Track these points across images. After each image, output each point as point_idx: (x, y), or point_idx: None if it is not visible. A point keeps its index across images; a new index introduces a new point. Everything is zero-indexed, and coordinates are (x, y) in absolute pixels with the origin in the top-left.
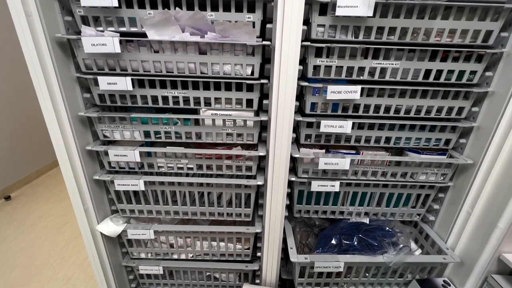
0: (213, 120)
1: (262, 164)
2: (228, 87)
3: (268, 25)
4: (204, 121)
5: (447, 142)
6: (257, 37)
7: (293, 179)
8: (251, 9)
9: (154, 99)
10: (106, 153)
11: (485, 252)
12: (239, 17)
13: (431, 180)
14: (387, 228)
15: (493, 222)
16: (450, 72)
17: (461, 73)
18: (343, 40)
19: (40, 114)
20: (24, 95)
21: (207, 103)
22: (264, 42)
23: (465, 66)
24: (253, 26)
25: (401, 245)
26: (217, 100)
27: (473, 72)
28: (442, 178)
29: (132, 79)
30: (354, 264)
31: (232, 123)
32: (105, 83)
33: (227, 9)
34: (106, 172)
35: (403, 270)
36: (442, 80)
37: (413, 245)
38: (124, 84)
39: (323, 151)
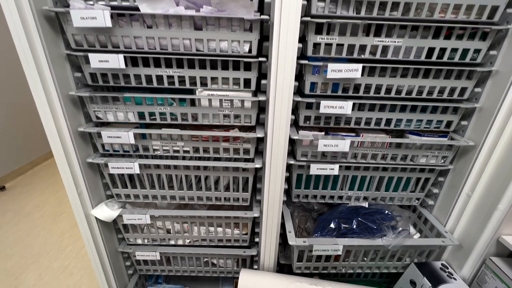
0: (210, 101)
1: (260, 147)
2: (225, 66)
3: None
4: (201, 101)
5: (449, 124)
6: (255, 12)
7: (291, 162)
8: None
9: (148, 79)
10: (100, 135)
11: (484, 235)
12: None
13: (432, 163)
14: (386, 211)
15: (493, 204)
16: (454, 50)
17: (465, 52)
18: (345, 16)
19: (34, 104)
20: (18, 84)
21: (204, 83)
22: (263, 17)
23: (470, 44)
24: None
25: (400, 229)
26: (214, 80)
27: (477, 51)
28: (442, 161)
29: (124, 57)
30: (353, 248)
31: (229, 104)
32: (97, 61)
33: None
34: (100, 155)
35: (402, 254)
36: (445, 59)
37: (412, 230)
38: (116, 61)
39: (323, 133)
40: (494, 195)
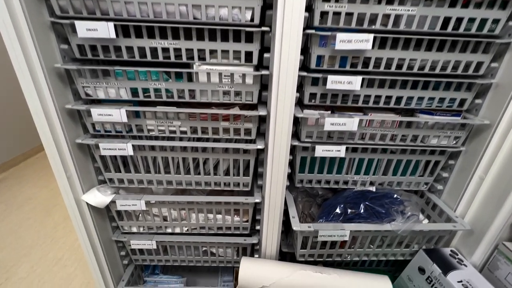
0: (208, 76)
1: (262, 128)
2: (225, 37)
3: None
4: (199, 76)
5: (462, 103)
6: None
7: (296, 143)
8: None
9: (142, 53)
10: (89, 113)
11: (497, 219)
12: None
13: (443, 145)
14: (395, 195)
15: (508, 186)
16: (471, 20)
17: (483, 22)
18: None
19: None
20: (9, 75)
21: (201, 58)
22: None
23: (488, 14)
24: None
25: (410, 213)
26: (213, 54)
27: (495, 21)
28: (454, 142)
29: (115, 25)
30: (360, 233)
31: (229, 79)
32: (84, 29)
33: None
34: (90, 136)
35: (410, 241)
36: (461, 30)
37: (420, 216)
38: (106, 30)
39: (329, 112)
40: (510, 177)
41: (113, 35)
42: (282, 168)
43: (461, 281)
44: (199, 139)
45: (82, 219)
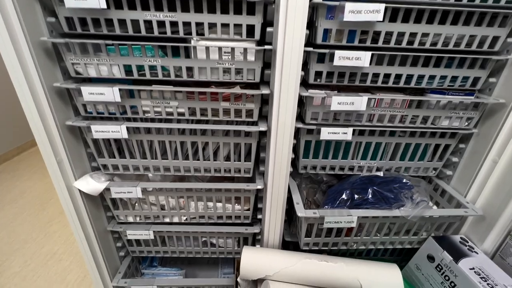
0: (207, 51)
1: (264, 111)
2: (225, 10)
3: None
4: (197, 52)
5: (475, 82)
6: None
7: (300, 126)
8: None
9: (136, 27)
10: (80, 93)
11: (511, 204)
12: None
13: (455, 126)
14: (404, 180)
15: None
16: None
17: None
18: None
19: None
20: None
21: (200, 33)
22: None
23: None
24: None
25: (419, 199)
26: (212, 28)
27: None
28: (467, 123)
29: None
30: (368, 220)
31: (229, 56)
32: None
33: None
34: (82, 118)
35: (418, 228)
36: (478, 1)
37: (429, 201)
38: (96, 0)
39: (335, 92)
40: None
41: (103, 5)
42: (286, 152)
43: (473, 268)
44: (198, 122)
45: (75, 207)
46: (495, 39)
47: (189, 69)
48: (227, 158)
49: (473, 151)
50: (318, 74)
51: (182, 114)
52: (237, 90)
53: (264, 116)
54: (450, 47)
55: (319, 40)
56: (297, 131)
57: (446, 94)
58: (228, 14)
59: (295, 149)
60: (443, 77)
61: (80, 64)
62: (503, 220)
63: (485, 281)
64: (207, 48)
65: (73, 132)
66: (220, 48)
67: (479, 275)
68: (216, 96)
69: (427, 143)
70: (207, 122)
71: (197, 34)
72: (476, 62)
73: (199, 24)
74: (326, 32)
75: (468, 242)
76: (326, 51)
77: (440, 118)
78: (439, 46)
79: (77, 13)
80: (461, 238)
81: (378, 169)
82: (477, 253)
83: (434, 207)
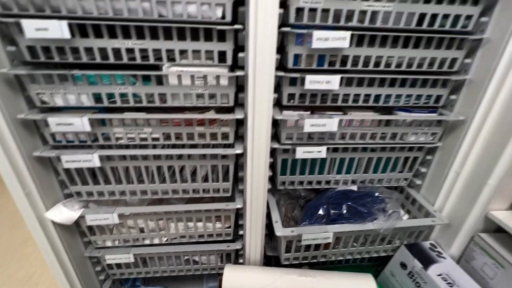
0: (179, 77)
1: (240, 131)
2: (195, 36)
3: None
4: (169, 79)
5: (438, 99)
6: None
7: (275, 146)
8: None
9: (104, 54)
10: (46, 123)
11: (473, 212)
12: None
13: (421, 141)
14: (377, 194)
15: (482, 180)
16: (445, 17)
17: (456, 18)
18: None
19: None
20: None
21: (171, 58)
22: None
23: (462, 10)
24: None
25: (391, 211)
26: (183, 54)
27: (468, 17)
28: (432, 138)
29: (69, 24)
30: (343, 234)
31: (202, 81)
32: (33, 29)
33: None
34: (50, 147)
35: (392, 237)
36: (436, 26)
37: (401, 211)
38: (58, 30)
39: (308, 113)
40: (484, 171)
41: (67, 35)
42: (262, 172)
43: (440, 274)
44: (174, 146)
45: (48, 238)
46: (454, 60)
47: (162, 95)
48: (206, 179)
49: (439, 163)
50: (291, 95)
51: (157, 139)
52: (211, 115)
53: (241, 136)
54: (414, 68)
55: (290, 65)
56: (274, 150)
57: (412, 112)
58: (199, 41)
59: (273, 166)
60: (409, 96)
61: (46, 94)
62: (466, 227)
63: (451, 286)
64: (179, 75)
65: (41, 162)
66: (192, 75)
67: (446, 281)
68: (190, 121)
69: (397, 156)
70: (183, 146)
71: (169, 59)
72: (437, 81)
73: (170, 50)
74: (297, 56)
75: (437, 248)
76: (297, 75)
77: (407, 134)
78: (403, 67)
79: (39, 42)
80: (430, 244)
81: (353, 182)
82: (445, 258)
83: (406, 215)
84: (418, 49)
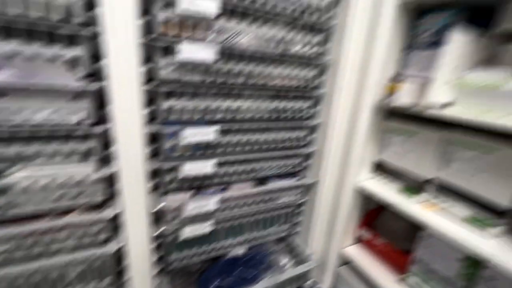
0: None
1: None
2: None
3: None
4: (17, 186)
5: (299, 165)
6: (84, 76)
7: (160, 230)
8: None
9: None
10: None
11: (331, 250)
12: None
13: (292, 200)
14: (262, 252)
15: (334, 225)
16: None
17: (300, 109)
18: (191, 81)
19: None
20: None
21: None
22: (92, 86)
23: (300, 104)
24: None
25: (274, 266)
26: (35, 156)
27: (309, 107)
28: (299, 196)
29: None
30: None
31: (59, 185)
32: None
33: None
34: None
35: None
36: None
37: (286, 260)
38: None
39: (192, 191)
40: (333, 217)
41: None
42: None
43: None
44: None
45: None
46: (305, 137)
47: (10, 203)
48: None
49: (308, 213)
50: (172, 180)
51: (3, 253)
52: (72, 217)
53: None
54: (278, 145)
55: (167, 154)
56: (159, 235)
57: (282, 179)
58: (53, 144)
59: (162, 247)
60: (279, 165)
61: None
62: (330, 263)
63: None
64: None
65: None
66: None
67: None
68: (45, 230)
69: (278, 214)
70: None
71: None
72: (295, 154)
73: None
74: (173, 146)
75: (317, 284)
76: (173, 164)
77: (282, 197)
78: (271, 146)
79: None
80: (312, 282)
81: (245, 240)
82: None
83: (291, 261)
84: (280, 132)
